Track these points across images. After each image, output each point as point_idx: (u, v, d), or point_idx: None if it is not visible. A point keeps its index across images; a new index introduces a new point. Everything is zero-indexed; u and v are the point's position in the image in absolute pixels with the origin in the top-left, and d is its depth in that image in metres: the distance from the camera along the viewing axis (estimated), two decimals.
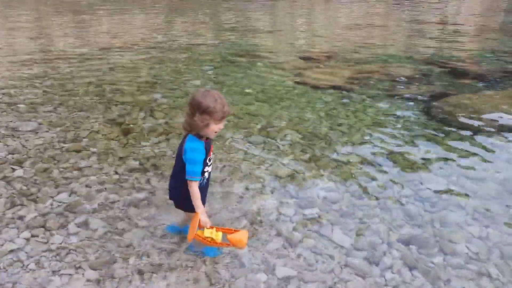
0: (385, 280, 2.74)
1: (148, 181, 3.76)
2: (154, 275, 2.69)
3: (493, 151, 4.43)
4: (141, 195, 3.53)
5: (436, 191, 3.69)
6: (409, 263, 2.86)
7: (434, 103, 5.87)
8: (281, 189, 3.70)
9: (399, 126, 5.14)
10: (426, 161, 4.23)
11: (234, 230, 2.60)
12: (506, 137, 4.78)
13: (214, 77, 6.91)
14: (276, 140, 4.66)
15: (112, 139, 4.55)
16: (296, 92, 6.43)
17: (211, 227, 2.56)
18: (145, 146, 4.43)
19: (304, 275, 2.75)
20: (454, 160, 4.25)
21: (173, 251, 2.91)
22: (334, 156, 4.33)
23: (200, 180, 2.58)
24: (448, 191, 3.70)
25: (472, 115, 5.35)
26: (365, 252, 2.96)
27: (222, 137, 4.66)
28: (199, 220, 2.50)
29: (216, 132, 2.49)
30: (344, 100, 6.06)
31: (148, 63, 7.90)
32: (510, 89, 6.46)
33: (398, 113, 5.58)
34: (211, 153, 2.67)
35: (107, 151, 4.28)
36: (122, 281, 2.62)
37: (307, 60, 8.47)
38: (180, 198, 2.71)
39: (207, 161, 2.61)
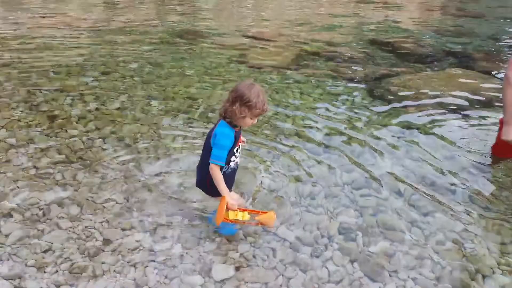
0: (328, 272, 2.61)
1: (74, 177, 3.39)
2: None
3: (433, 132, 4.44)
4: (65, 193, 3.18)
5: (378, 175, 3.61)
6: (351, 253, 2.75)
7: (377, 84, 5.85)
8: None
9: (343, 107, 5.05)
10: (370, 143, 4.15)
11: (262, 212, 2.64)
12: (445, 117, 4.81)
13: (152, 59, 6.48)
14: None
15: (35, 129, 4.09)
16: (240, 73, 6.17)
17: (239, 209, 2.58)
18: (73, 136, 4.01)
19: (244, 274, 2.57)
20: (396, 143, 4.19)
21: (98, 252, 2.63)
22: (278, 140, 4.14)
23: (225, 168, 2.61)
24: (391, 174, 3.64)
25: (413, 96, 5.38)
26: (308, 245, 2.82)
27: (157, 124, 4.34)
28: (227, 203, 2.50)
29: (249, 125, 2.53)
30: (289, 81, 5.88)
31: (81, 44, 7.29)
32: (449, 69, 6.57)
33: (342, 94, 5.49)
34: (240, 143, 2.68)
35: (28, 142, 3.83)
36: None
37: (252, 41, 8.20)
38: (206, 184, 2.70)
39: (235, 151, 2.63)
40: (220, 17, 11.55)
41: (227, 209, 2.56)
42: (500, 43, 8.89)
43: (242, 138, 2.78)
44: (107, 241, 2.75)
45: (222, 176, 2.53)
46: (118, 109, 4.66)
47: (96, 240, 2.76)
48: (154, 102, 4.87)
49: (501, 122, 3.51)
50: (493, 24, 11.12)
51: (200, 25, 9.66)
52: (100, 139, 3.99)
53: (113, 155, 3.73)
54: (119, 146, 3.89)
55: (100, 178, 3.39)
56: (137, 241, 2.77)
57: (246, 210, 2.63)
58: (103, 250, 2.68)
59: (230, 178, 2.73)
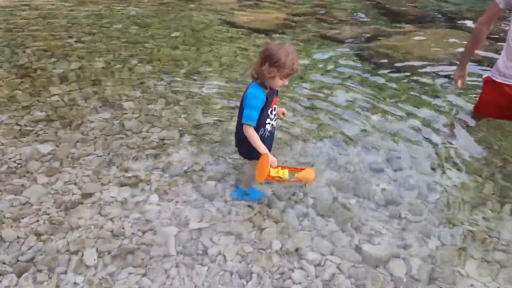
0: (301, 225, 2.69)
1: (55, 133, 3.42)
2: (52, 236, 2.46)
3: (418, 94, 4.44)
4: (45, 149, 3.21)
5: (355, 135, 3.64)
6: (324, 209, 2.82)
7: (367, 45, 5.79)
8: (199, 138, 3.50)
9: (331, 68, 5.01)
10: (354, 103, 4.16)
11: (300, 169, 2.57)
12: (431, 78, 4.80)
13: (138, 19, 6.36)
14: (203, 87, 4.38)
15: (17, 88, 4.08)
16: (228, 36, 6.08)
17: (278, 166, 2.51)
18: (54, 94, 4.01)
19: (218, 224, 2.64)
20: (381, 104, 4.19)
21: (75, 205, 2.69)
22: None
23: (262, 131, 2.56)
24: (371, 131, 3.67)
25: (402, 57, 5.33)
26: (283, 200, 2.88)
27: (143, 84, 4.32)
28: (268, 161, 2.43)
29: (280, 85, 2.46)
30: None
31: (66, 4, 7.13)
32: (440, 30, 6.49)
33: (331, 56, 5.44)
34: (274, 105, 2.61)
35: (9, 100, 3.83)
36: (13, 244, 2.38)
37: (242, 1, 8.03)
38: (243, 146, 2.68)
39: (269, 113, 2.56)
40: None
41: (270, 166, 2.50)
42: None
43: (282, 109, 2.81)
44: (85, 195, 2.81)
45: (257, 134, 2.50)
46: (102, 69, 4.63)
47: (73, 194, 2.81)
48: (139, 63, 4.83)
49: (484, 81, 3.52)
50: None
51: None
52: (82, 99, 3.99)
53: (95, 114, 3.74)
54: (101, 105, 3.89)
55: (81, 134, 3.42)
56: (114, 196, 2.83)
57: (285, 167, 2.58)
58: (81, 203, 2.74)
59: (268, 141, 2.67)
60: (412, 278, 2.36)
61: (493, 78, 3.36)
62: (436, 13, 7.57)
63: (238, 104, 3.97)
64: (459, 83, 3.58)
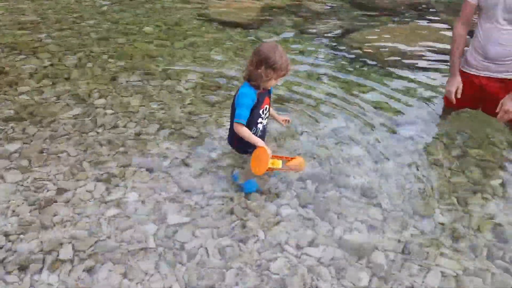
0: (281, 217, 2.68)
1: (23, 130, 3.30)
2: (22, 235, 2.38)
3: (392, 87, 4.47)
4: (13, 147, 3.10)
5: (333, 128, 3.65)
6: (304, 201, 2.82)
7: (342, 39, 5.82)
8: (180, 133, 3.44)
9: (308, 62, 5.02)
10: (327, 99, 4.16)
11: (290, 158, 2.68)
12: (402, 71, 4.84)
13: (110, 15, 6.21)
14: (178, 82, 4.31)
15: None
16: (202, 30, 6.01)
17: (273, 157, 2.58)
18: (23, 92, 3.88)
19: (198, 219, 2.61)
20: (353, 99, 4.18)
21: (49, 203, 2.61)
22: None
23: (254, 131, 2.65)
24: (344, 127, 3.68)
25: (376, 50, 5.40)
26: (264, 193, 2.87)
27: (114, 81, 4.22)
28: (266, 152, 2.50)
29: (273, 85, 2.60)
30: (251, 37, 5.78)
31: None
32: (411, 22, 6.60)
33: (306, 49, 5.45)
34: (266, 105, 2.70)
35: None
36: None
37: None
38: (234, 142, 2.82)
39: (261, 112, 2.65)
40: None
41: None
42: None
43: (284, 116, 3.00)
44: (60, 192, 2.73)
45: (248, 130, 2.57)
46: (74, 66, 4.50)
47: (48, 190, 2.73)
48: (111, 59, 4.72)
49: None
50: None
51: None
52: (54, 96, 3.87)
53: (67, 111, 3.64)
54: (73, 102, 3.78)
55: (52, 131, 3.32)
56: (89, 191, 2.76)
57: (277, 156, 2.64)
58: (56, 202, 2.66)
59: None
60: (391, 267, 2.38)
61: (462, 69, 3.44)
62: (407, 6, 7.69)
63: (215, 98, 4.01)
64: (457, 95, 3.40)
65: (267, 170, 2.53)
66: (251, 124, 2.62)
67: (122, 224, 2.54)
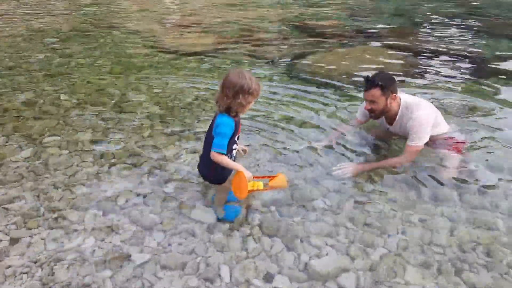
0: (247, 251, 2.64)
1: None
2: None
3: (345, 105, 4.61)
4: None
5: (295, 150, 3.70)
6: (269, 228, 2.81)
7: (294, 63, 5.99)
8: (137, 168, 3.37)
9: (265, 86, 5.09)
10: (288, 120, 4.22)
11: (272, 177, 2.71)
12: (352, 92, 5.00)
13: (60, 50, 6.09)
14: (134, 114, 4.25)
15: None
16: (156, 60, 6.00)
17: (254, 178, 2.61)
18: None
19: (161, 258, 2.53)
20: (311, 120, 4.28)
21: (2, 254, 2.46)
22: (197, 125, 4.10)
23: (228, 157, 2.64)
24: (310, 148, 3.73)
25: (326, 73, 5.61)
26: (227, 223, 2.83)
27: (66, 117, 4.10)
28: (244, 176, 2.53)
29: (248, 109, 2.65)
30: (207, 66, 5.83)
31: None
32: (358, 47, 6.90)
33: (261, 75, 5.55)
34: (239, 131, 2.75)
35: None
36: None
37: (169, 28, 8.01)
38: (211, 172, 2.79)
39: (236, 139, 2.70)
40: (136, 4, 11.12)
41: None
42: (401, 20, 9.47)
43: (242, 146, 3.01)
44: (13, 242, 2.58)
45: (227, 157, 2.60)
46: (23, 104, 4.34)
47: (1, 240, 2.58)
48: (62, 96, 4.60)
49: None
50: (396, 1, 11.87)
51: (115, 13, 9.25)
52: (3, 137, 3.71)
53: (17, 152, 3.48)
54: (24, 142, 3.63)
55: (2, 176, 3.16)
56: (43, 238, 2.62)
57: (259, 177, 2.67)
58: (8, 252, 2.51)
59: None
60: None
61: None
62: (355, 32, 8.06)
63: (174, 129, 3.96)
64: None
65: (249, 192, 2.56)
66: (227, 151, 2.63)
67: (80, 269, 2.41)
